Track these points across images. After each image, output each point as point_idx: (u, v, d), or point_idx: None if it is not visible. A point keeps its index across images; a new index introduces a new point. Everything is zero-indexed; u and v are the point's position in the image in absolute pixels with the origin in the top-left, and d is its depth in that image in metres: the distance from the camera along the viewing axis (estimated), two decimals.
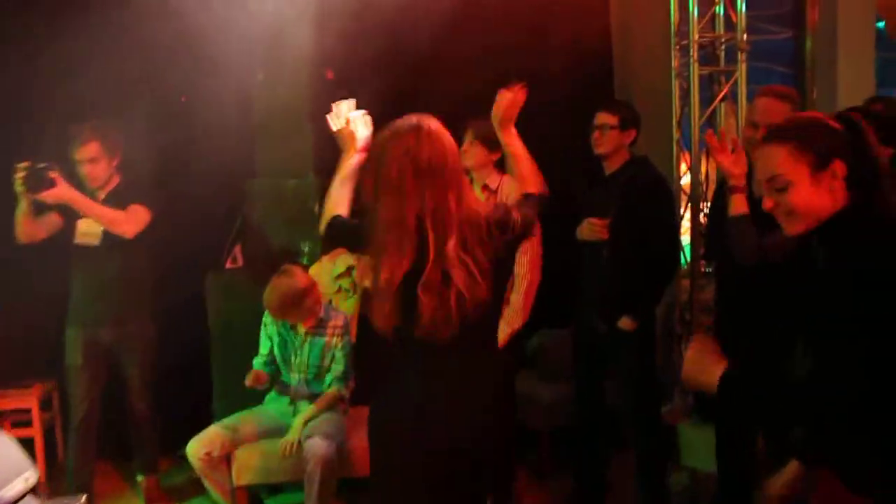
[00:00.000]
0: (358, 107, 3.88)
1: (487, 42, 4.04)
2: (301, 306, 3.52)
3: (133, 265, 3.73)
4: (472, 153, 3.54)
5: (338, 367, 3.64)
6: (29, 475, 1.99)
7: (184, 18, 3.76)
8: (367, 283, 3.72)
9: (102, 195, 3.72)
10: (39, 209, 3.58)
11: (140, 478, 3.97)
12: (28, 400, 4.18)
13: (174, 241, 3.91)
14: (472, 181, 3.63)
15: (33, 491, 2.01)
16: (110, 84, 3.85)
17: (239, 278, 4.14)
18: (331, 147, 4.09)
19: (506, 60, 3.89)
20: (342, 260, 4.02)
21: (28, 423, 4.19)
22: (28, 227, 3.60)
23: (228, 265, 4.30)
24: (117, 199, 3.68)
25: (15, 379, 4.25)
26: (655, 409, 3.64)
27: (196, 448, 3.43)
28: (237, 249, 4.32)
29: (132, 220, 3.63)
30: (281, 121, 4.18)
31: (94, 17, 3.80)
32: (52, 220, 3.68)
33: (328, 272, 4.01)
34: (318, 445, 3.34)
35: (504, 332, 3.41)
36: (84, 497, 2.57)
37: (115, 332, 3.73)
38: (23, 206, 3.54)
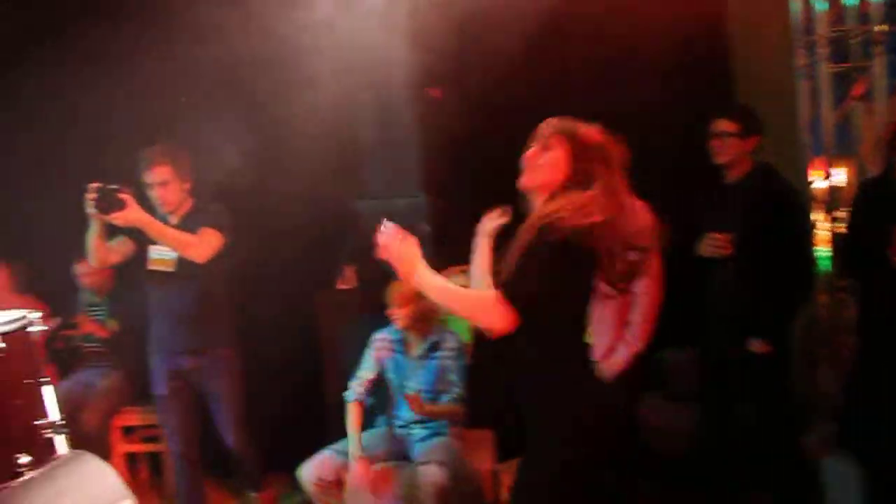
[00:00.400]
0: (466, 123, 3.81)
1: (596, 47, 3.88)
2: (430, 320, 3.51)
3: (210, 291, 3.60)
4: None
5: (454, 390, 3.55)
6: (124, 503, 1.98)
7: (290, 39, 3.78)
8: None
9: (175, 220, 3.61)
10: (112, 233, 3.52)
11: (252, 494, 3.89)
12: (156, 417, 4.27)
13: (284, 262, 3.92)
14: None
15: None
16: (206, 106, 3.89)
17: (350, 298, 4.12)
18: (439, 165, 4.10)
19: (616, 65, 3.74)
20: (455, 280, 3.93)
21: (157, 439, 4.33)
22: (100, 252, 3.50)
23: (340, 285, 4.30)
24: (190, 224, 3.56)
25: (145, 396, 4.36)
26: (793, 441, 3.35)
27: (308, 473, 3.42)
28: (349, 270, 4.31)
29: (203, 245, 3.47)
30: (388, 140, 4.15)
31: (191, 36, 3.87)
32: (126, 247, 3.64)
33: None
34: (432, 473, 3.26)
35: (623, 353, 3.25)
36: None
37: (195, 361, 3.63)
38: (94, 229, 3.42)
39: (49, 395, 2.28)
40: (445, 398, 3.55)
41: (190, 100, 3.87)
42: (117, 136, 3.97)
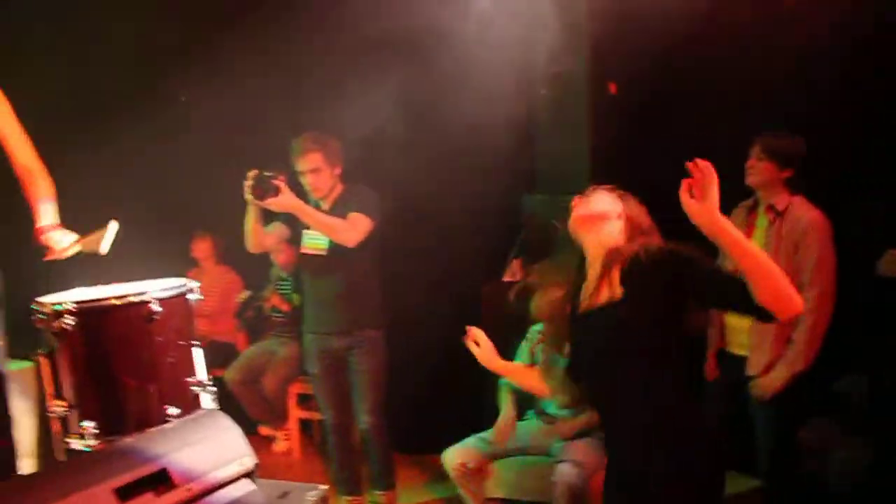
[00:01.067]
0: (635, 119, 3.73)
1: (774, 44, 3.62)
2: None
3: (360, 275, 3.67)
4: (759, 169, 3.19)
5: None
6: (246, 460, 2.16)
7: (466, 34, 3.86)
8: None
9: (327, 205, 3.70)
10: (267, 219, 3.69)
11: (377, 492, 3.92)
12: None
13: (453, 251, 4.01)
14: (756, 202, 3.29)
15: (249, 475, 2.16)
16: (379, 97, 4.01)
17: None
18: (609, 162, 4.02)
19: (795, 67, 3.48)
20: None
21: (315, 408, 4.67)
22: (256, 236, 3.66)
23: (507, 278, 4.34)
24: (341, 209, 3.63)
25: None
26: None
27: (452, 457, 3.51)
28: (516, 263, 4.35)
29: (353, 230, 3.54)
30: (561, 136, 4.14)
31: (357, 32, 4.03)
32: (281, 233, 3.80)
33: None
34: (567, 472, 3.26)
35: (782, 372, 3.05)
36: (325, 488, 2.72)
37: (344, 341, 3.72)
38: (251, 215, 3.58)
39: (199, 356, 2.53)
40: None
41: (361, 89, 4.03)
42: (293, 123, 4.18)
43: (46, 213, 2.80)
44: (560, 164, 4.17)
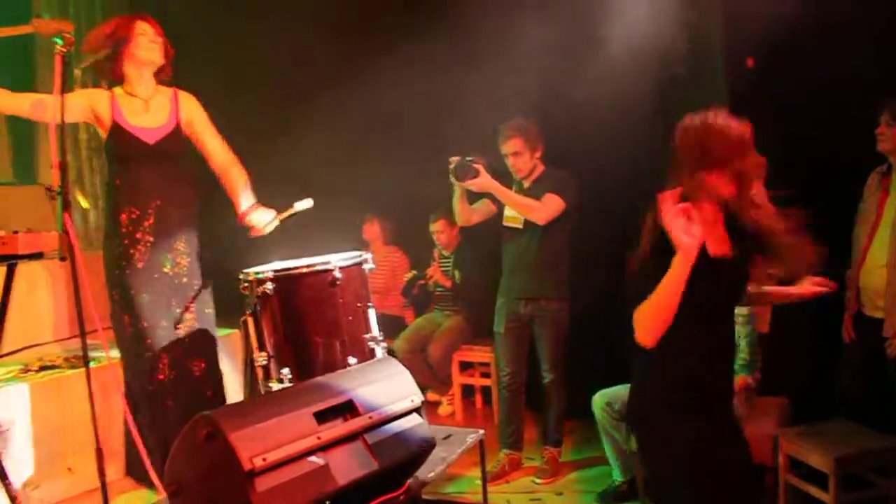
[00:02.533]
0: (772, 93, 3.88)
1: None
2: None
3: (549, 248, 4.05)
4: (890, 136, 3.32)
5: (742, 356, 3.71)
6: (415, 398, 2.62)
7: (615, 15, 4.14)
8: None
9: (528, 184, 4.15)
10: (473, 199, 4.20)
11: (547, 447, 4.32)
12: (488, 355, 5.06)
13: (605, 229, 4.30)
14: (889, 167, 3.41)
15: (417, 411, 2.63)
16: (536, 83, 4.39)
17: None
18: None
19: None
20: None
21: (488, 375, 5.18)
22: (464, 213, 4.19)
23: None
24: (539, 188, 4.08)
25: (480, 337, 5.15)
26: None
27: (600, 399, 3.82)
28: None
29: (545, 209, 3.96)
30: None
31: (521, 22, 4.37)
32: (487, 207, 4.24)
33: None
34: None
35: None
36: (482, 432, 3.17)
37: (531, 307, 4.15)
38: (457, 194, 4.10)
39: (372, 316, 3.03)
40: (736, 363, 3.72)
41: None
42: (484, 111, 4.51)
43: (246, 199, 3.41)
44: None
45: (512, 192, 4.08)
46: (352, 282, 2.97)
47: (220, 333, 3.66)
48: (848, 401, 3.62)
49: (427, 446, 2.62)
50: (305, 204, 3.40)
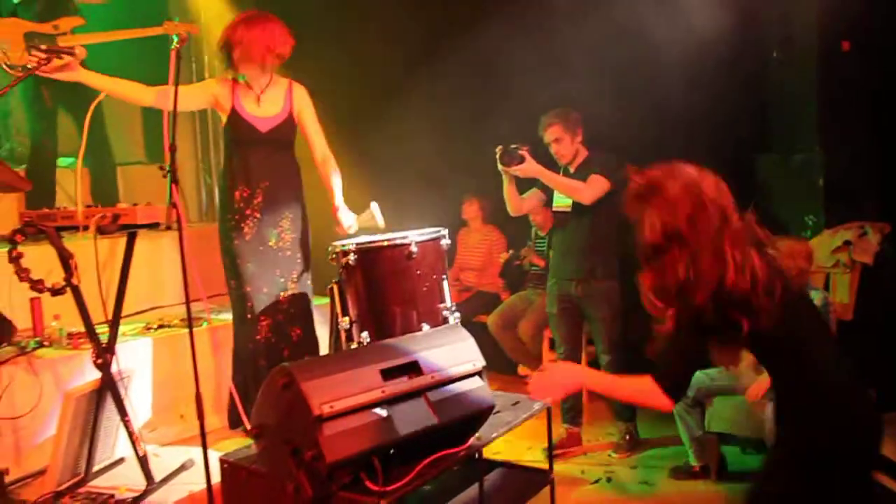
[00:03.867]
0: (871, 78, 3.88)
1: None
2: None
3: (597, 229, 4.22)
4: None
5: None
6: (476, 363, 2.86)
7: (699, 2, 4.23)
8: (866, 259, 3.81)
9: (573, 169, 4.30)
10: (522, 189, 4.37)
11: (619, 422, 4.50)
12: None
13: None
14: None
15: (479, 375, 2.87)
16: (625, 67, 4.53)
17: None
18: (839, 121, 4.17)
19: None
20: (840, 235, 4.06)
21: None
22: (514, 201, 4.34)
23: None
24: (584, 172, 4.22)
25: None
26: None
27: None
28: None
29: (589, 189, 4.09)
30: (791, 96, 4.35)
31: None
32: (537, 196, 4.43)
33: (827, 246, 4.09)
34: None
35: None
36: (549, 401, 3.37)
37: (581, 287, 4.30)
38: (506, 184, 4.23)
39: (446, 287, 3.29)
40: None
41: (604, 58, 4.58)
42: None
43: (338, 193, 3.75)
44: (789, 123, 4.39)
45: (557, 175, 4.22)
46: (427, 255, 3.25)
47: (317, 302, 4.03)
48: None
49: (486, 408, 2.86)
50: (377, 213, 3.69)
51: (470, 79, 5.30)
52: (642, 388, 2.21)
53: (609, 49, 4.63)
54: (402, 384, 2.67)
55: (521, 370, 5.71)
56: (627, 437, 4.41)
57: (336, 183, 3.83)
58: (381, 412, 2.59)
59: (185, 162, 6.34)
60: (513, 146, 4.10)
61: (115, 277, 3.27)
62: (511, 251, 5.80)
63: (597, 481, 4.07)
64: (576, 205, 4.24)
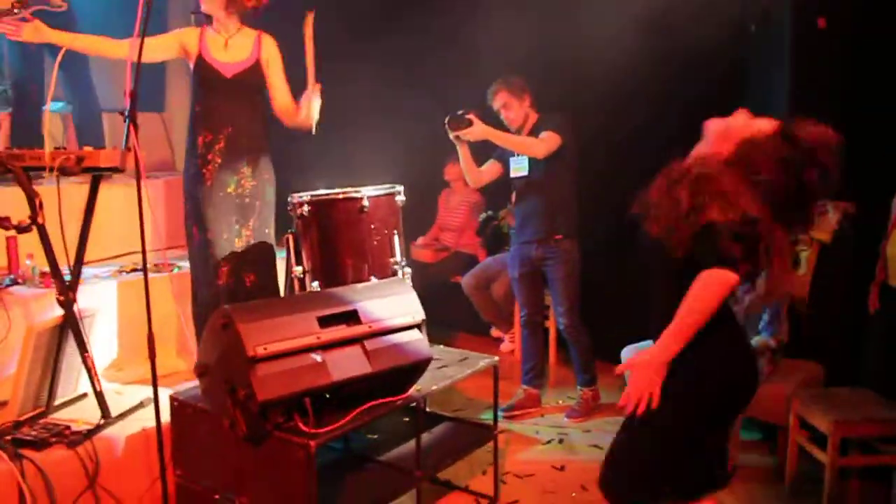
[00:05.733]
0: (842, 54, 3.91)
1: None
2: None
3: (554, 190, 4.37)
4: None
5: (764, 317, 3.88)
6: (416, 315, 3.01)
7: None
8: None
9: (525, 133, 4.44)
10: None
11: (580, 388, 4.65)
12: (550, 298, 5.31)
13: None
14: None
15: (418, 328, 3.01)
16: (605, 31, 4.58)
17: None
18: (810, 98, 4.23)
19: None
20: None
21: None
22: (472, 174, 4.51)
23: None
24: (537, 133, 4.34)
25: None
26: None
27: (627, 354, 4.10)
28: None
29: (541, 143, 4.24)
30: (766, 71, 4.41)
31: None
32: (494, 167, 4.58)
33: None
34: None
35: None
36: (496, 359, 3.51)
37: (542, 248, 4.46)
38: (461, 153, 4.34)
39: (397, 243, 3.43)
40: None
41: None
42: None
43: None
44: (768, 99, 4.45)
45: (507, 134, 4.34)
46: (380, 210, 3.39)
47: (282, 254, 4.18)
48: (871, 370, 3.73)
49: (423, 359, 3.01)
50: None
51: (444, 40, 5.38)
52: (706, 283, 2.22)
53: (583, 17, 4.70)
54: (340, 332, 2.82)
55: (494, 332, 5.87)
56: (583, 401, 4.55)
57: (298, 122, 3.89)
58: (316, 357, 2.74)
59: (179, 113, 6.46)
60: (460, 112, 4.20)
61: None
62: (489, 212, 5.91)
63: (548, 442, 4.24)
64: (532, 168, 4.38)
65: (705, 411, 2.40)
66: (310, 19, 3.70)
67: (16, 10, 3.53)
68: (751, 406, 3.64)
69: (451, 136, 4.25)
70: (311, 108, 3.78)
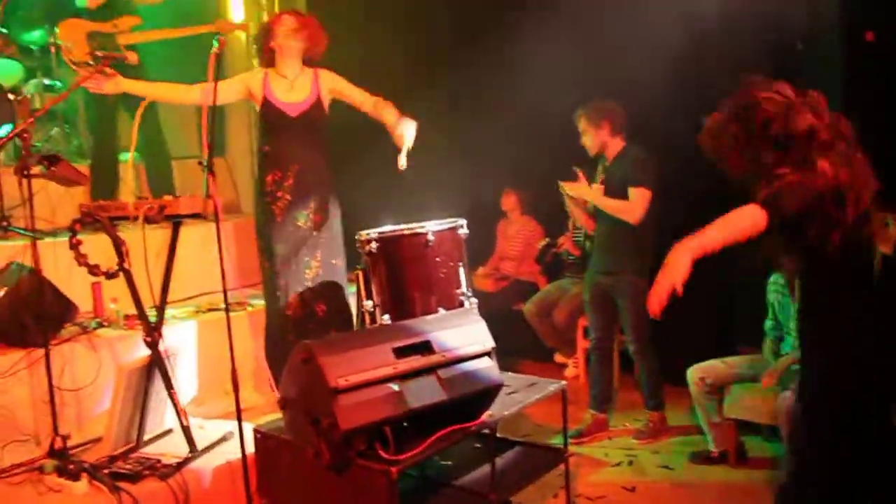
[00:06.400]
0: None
1: None
2: None
3: (629, 233, 4.42)
4: None
5: None
6: (486, 343, 3.14)
7: None
8: None
9: (609, 162, 4.56)
10: None
11: (647, 411, 4.70)
12: None
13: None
14: None
15: (488, 355, 3.14)
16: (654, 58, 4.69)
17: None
18: (862, 113, 4.26)
19: None
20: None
21: None
22: (581, 219, 4.83)
23: None
24: (620, 168, 4.48)
25: None
26: None
27: (694, 373, 4.17)
28: None
29: (633, 210, 4.35)
30: (816, 87, 4.46)
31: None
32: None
33: None
34: (789, 399, 3.72)
35: None
36: (564, 384, 3.62)
37: (610, 279, 4.57)
38: (568, 205, 4.71)
39: (464, 274, 3.57)
40: None
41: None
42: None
43: (392, 118, 4.01)
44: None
45: (605, 199, 4.48)
46: (444, 243, 3.54)
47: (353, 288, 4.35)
48: None
49: (494, 385, 3.14)
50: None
51: (509, 75, 5.54)
52: (741, 210, 2.33)
53: (637, 42, 4.82)
54: (415, 361, 2.97)
55: (557, 358, 5.95)
56: (651, 424, 4.61)
57: (387, 113, 4.04)
58: (394, 387, 2.89)
59: (240, 157, 6.77)
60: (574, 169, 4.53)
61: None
62: (548, 239, 6.03)
63: (618, 464, 4.31)
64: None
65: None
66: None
67: (91, 63, 3.81)
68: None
69: (563, 192, 4.60)
70: (408, 127, 3.93)
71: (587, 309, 4.81)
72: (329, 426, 2.77)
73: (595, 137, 4.53)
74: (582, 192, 4.56)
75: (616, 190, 4.46)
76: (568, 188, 4.57)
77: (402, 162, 3.89)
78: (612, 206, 4.45)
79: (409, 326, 3.12)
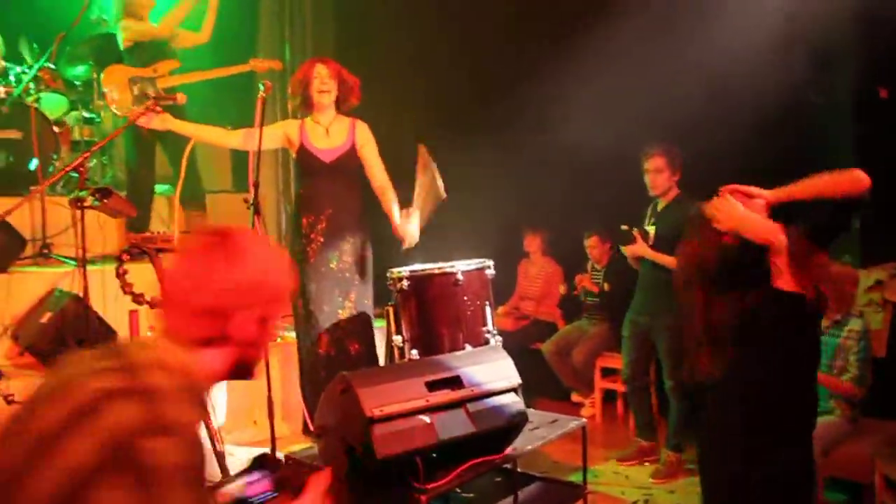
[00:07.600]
0: None
1: None
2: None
3: (662, 271, 4.50)
4: None
5: (851, 371, 4.04)
6: (513, 380, 3.32)
7: (738, 47, 4.62)
8: None
9: (661, 207, 4.70)
10: None
11: (667, 450, 4.83)
12: None
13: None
14: None
15: (515, 391, 3.32)
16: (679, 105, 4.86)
17: None
18: (873, 164, 4.46)
19: None
20: (874, 274, 4.36)
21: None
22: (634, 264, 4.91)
23: None
24: (670, 217, 4.59)
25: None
26: None
27: None
28: None
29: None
30: (828, 139, 4.67)
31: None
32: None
33: (861, 285, 4.39)
34: None
35: None
36: (585, 420, 3.79)
37: (649, 319, 4.71)
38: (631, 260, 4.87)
39: (489, 313, 3.76)
40: (844, 377, 4.06)
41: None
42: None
43: (397, 215, 4.24)
44: (828, 167, 4.69)
45: (659, 255, 4.61)
46: (472, 283, 3.74)
47: (380, 323, 4.55)
48: None
49: (520, 420, 3.31)
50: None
51: (535, 119, 5.75)
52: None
53: (667, 84, 5.02)
54: (445, 395, 3.15)
55: (574, 397, 6.11)
56: (668, 463, 4.75)
57: (394, 208, 4.28)
58: (425, 418, 3.07)
59: (267, 193, 6.99)
60: (623, 228, 4.76)
61: None
62: (566, 288, 6.24)
63: (634, 502, 4.44)
64: (659, 249, 4.67)
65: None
66: (423, 149, 4.18)
67: (147, 101, 4.09)
68: (834, 465, 3.88)
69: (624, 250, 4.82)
70: (410, 225, 4.14)
71: (625, 344, 4.96)
72: (364, 454, 2.95)
73: (669, 179, 4.66)
74: (640, 252, 4.71)
75: (668, 234, 4.55)
76: (628, 252, 4.78)
77: (405, 247, 4.15)
78: (667, 262, 4.54)
79: (440, 361, 3.31)
